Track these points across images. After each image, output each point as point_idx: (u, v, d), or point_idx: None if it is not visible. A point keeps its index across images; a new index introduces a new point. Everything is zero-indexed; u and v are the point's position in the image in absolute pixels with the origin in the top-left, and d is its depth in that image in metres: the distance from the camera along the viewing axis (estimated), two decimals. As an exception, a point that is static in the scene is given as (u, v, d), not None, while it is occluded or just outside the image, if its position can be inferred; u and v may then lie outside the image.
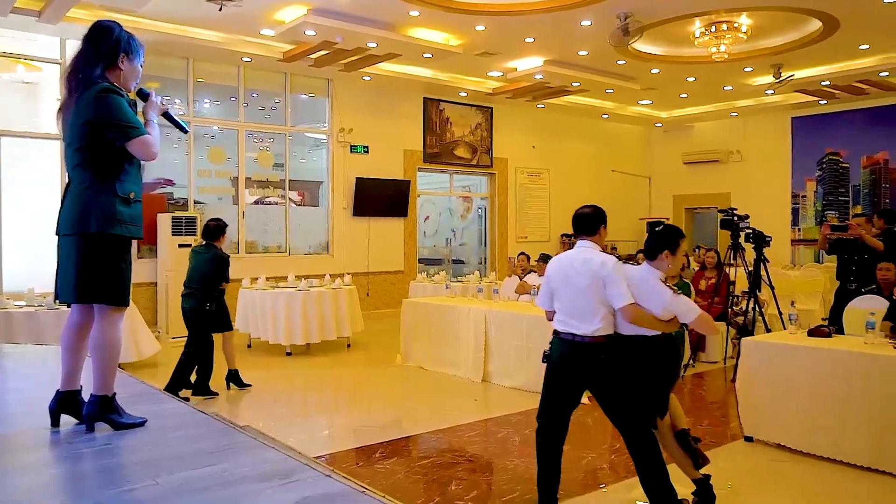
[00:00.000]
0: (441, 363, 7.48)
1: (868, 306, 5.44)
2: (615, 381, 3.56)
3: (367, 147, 11.98)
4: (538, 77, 11.20)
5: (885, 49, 10.31)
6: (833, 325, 5.32)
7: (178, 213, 9.67)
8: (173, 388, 5.91)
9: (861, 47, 10.18)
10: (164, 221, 9.44)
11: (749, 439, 4.92)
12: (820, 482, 4.14)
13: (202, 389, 6.23)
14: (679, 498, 3.50)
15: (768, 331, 6.90)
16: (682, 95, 13.41)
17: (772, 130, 14.33)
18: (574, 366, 3.58)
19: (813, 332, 4.88)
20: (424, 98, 12.72)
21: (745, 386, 4.91)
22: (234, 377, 6.61)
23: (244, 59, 10.20)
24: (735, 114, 14.42)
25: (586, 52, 10.35)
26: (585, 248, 3.66)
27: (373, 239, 12.07)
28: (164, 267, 9.49)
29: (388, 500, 2.08)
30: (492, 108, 13.63)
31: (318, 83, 11.63)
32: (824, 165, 13.63)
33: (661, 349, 3.61)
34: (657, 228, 3.79)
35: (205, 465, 2.46)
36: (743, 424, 4.97)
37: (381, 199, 12.06)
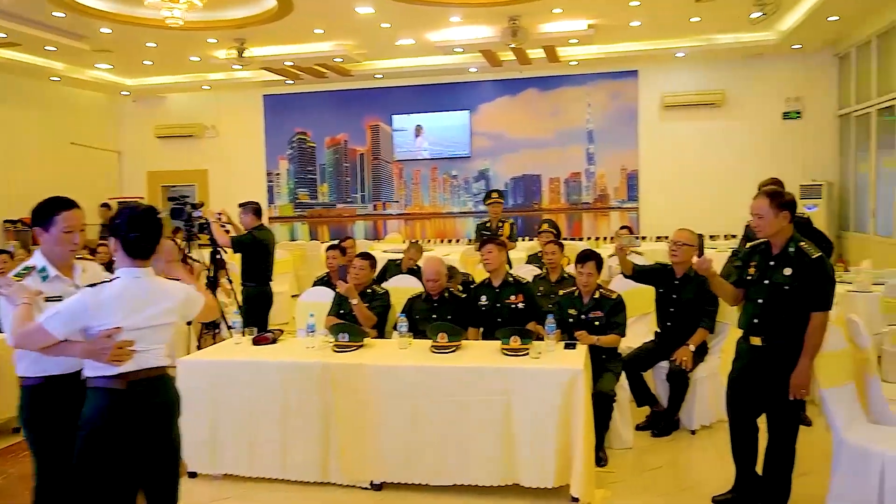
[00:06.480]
0: None
1: (315, 298, 5.24)
2: None
3: None
4: (-61, 20, 8.55)
5: (337, 35, 10.81)
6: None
7: None
8: None
9: (316, 31, 10.45)
10: None
11: (193, 475, 4.22)
12: None
13: None
14: None
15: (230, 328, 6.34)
16: (145, 62, 12.06)
17: (245, 107, 14.11)
18: None
19: (257, 341, 4.43)
20: None
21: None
22: None
23: None
24: (207, 87, 13.75)
25: (7, -4, 8.25)
26: None
27: None
28: None
29: None
30: None
31: None
32: (294, 144, 14.03)
33: None
34: None
35: None
36: (186, 461, 4.24)
37: None
